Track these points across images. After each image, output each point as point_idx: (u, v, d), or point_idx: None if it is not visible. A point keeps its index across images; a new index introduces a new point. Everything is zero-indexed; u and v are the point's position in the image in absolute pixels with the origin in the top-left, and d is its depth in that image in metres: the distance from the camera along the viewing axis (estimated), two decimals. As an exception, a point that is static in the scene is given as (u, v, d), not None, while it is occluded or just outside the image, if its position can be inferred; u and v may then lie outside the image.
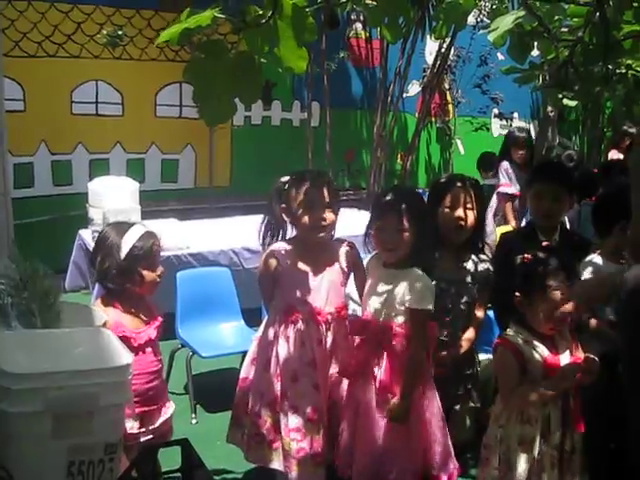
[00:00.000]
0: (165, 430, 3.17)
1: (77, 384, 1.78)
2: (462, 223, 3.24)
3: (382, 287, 3.04)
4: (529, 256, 2.88)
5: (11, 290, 2.17)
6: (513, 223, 6.50)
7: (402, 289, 2.97)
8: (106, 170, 7.26)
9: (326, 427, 3.10)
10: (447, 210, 3.23)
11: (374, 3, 2.83)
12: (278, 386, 3.09)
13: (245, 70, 2.31)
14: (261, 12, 2.32)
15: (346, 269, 3.23)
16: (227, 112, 2.38)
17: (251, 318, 4.67)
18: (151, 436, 3.06)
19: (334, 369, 3.15)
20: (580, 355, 2.84)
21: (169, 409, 3.19)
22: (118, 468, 1.89)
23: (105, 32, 7.14)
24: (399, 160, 9.68)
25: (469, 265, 3.33)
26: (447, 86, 10.05)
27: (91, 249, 5.42)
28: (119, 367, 1.89)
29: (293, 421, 3.04)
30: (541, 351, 2.80)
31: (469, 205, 3.25)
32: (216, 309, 4.68)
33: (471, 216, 3.25)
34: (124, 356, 1.95)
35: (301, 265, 3.14)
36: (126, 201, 5.63)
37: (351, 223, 6.61)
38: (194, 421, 4.30)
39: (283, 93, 8.56)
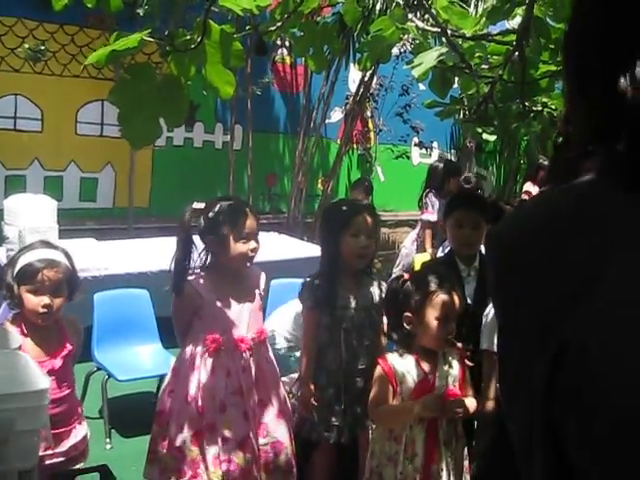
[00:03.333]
0: (78, 454, 3.12)
1: (-8, 409, 1.75)
2: (366, 252, 3.28)
3: None
4: (407, 276, 2.96)
5: None
6: (429, 250, 6.64)
7: None
8: (23, 187, 7.11)
9: (257, 455, 3.09)
10: (352, 238, 3.25)
11: (301, 33, 2.87)
12: (202, 418, 3.04)
13: (171, 92, 2.31)
14: (189, 37, 2.33)
15: (262, 293, 3.28)
16: (152, 134, 2.38)
17: (169, 341, 4.62)
18: (62, 459, 3.01)
19: (260, 394, 3.15)
20: (459, 391, 2.88)
21: (80, 432, 3.13)
22: (32, 495, 1.85)
23: (27, 46, 7.03)
24: (320, 185, 9.75)
25: (374, 289, 3.37)
26: (369, 114, 10.19)
27: (5, 268, 5.34)
28: (36, 391, 1.86)
29: (223, 452, 3.01)
30: (415, 375, 2.83)
31: (371, 232, 3.29)
32: (133, 331, 4.61)
33: (373, 244, 3.30)
34: (41, 380, 1.92)
35: (222, 294, 3.14)
36: (43, 219, 5.51)
37: (271, 247, 6.65)
38: (108, 446, 4.20)
39: (206, 115, 8.54)
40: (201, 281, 3.14)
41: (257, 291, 3.26)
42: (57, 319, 3.05)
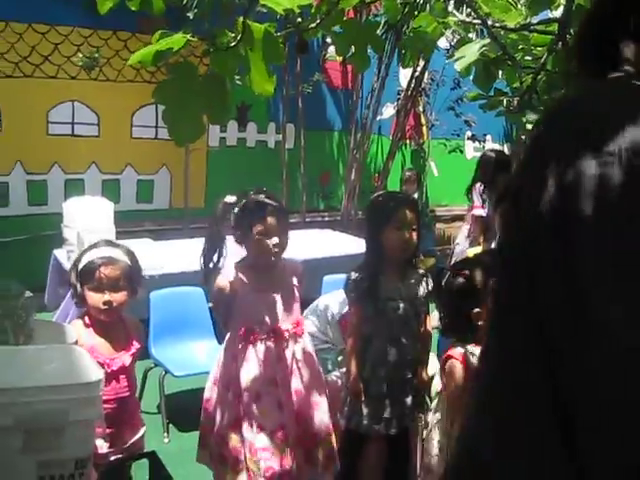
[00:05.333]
0: (135, 450, 3.15)
1: (47, 399, 1.82)
2: (408, 245, 3.29)
3: None
4: (466, 272, 2.95)
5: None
6: (483, 245, 6.56)
7: None
8: (81, 190, 7.27)
9: (295, 444, 3.14)
10: (395, 231, 3.27)
11: (342, 31, 2.88)
12: (240, 406, 3.12)
13: (214, 90, 2.36)
14: (232, 36, 2.38)
15: (298, 285, 3.31)
16: (197, 131, 2.42)
17: (224, 337, 4.70)
18: (120, 455, 3.04)
19: (297, 384, 3.20)
20: None
21: (141, 430, 3.18)
22: (88, 483, 1.92)
23: (81, 55, 7.20)
24: (373, 182, 9.76)
25: (419, 281, 3.38)
26: (421, 108, 10.16)
27: (65, 269, 5.48)
28: (89, 383, 1.93)
29: (260, 440, 3.07)
30: None
31: (414, 226, 3.30)
32: (189, 328, 4.71)
33: (415, 236, 3.30)
34: (95, 372, 1.99)
35: (255, 286, 3.19)
36: (101, 221, 5.64)
37: (326, 244, 6.70)
38: (166, 440, 4.31)
39: (258, 115, 8.63)
40: (234, 273, 3.20)
41: (291, 283, 3.30)
42: (122, 317, 3.11)
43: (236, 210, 3.17)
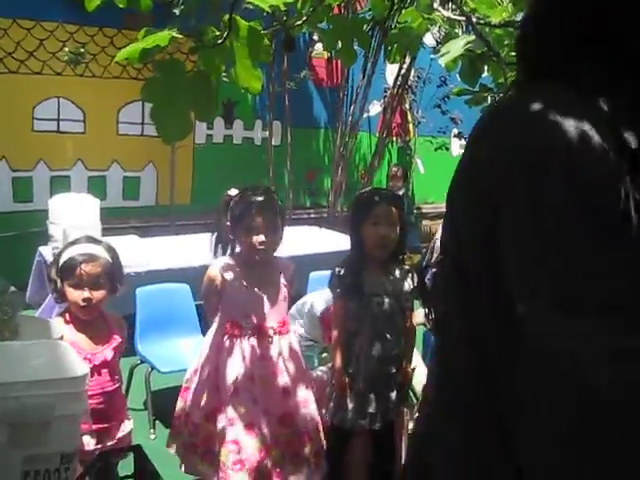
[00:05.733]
0: (123, 446, 3.11)
1: (33, 394, 1.82)
2: (386, 241, 3.29)
3: None
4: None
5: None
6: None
7: None
8: (67, 187, 7.24)
9: (273, 442, 3.15)
10: (371, 227, 3.27)
11: (329, 27, 2.89)
12: (218, 399, 3.14)
13: (201, 88, 2.36)
14: (218, 33, 2.38)
15: (288, 285, 3.33)
16: (185, 129, 2.42)
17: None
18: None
19: (282, 382, 3.21)
20: None
21: (127, 426, 3.16)
22: (74, 478, 1.92)
23: (67, 50, 7.17)
24: (360, 179, 9.76)
25: (404, 277, 3.38)
26: (408, 106, 10.17)
27: (51, 265, 5.47)
28: (75, 378, 1.93)
29: (231, 434, 3.10)
30: None
31: (394, 222, 3.30)
32: (175, 325, 4.71)
33: (394, 232, 3.29)
34: (80, 367, 1.99)
35: (244, 281, 3.21)
36: (87, 218, 5.62)
37: (313, 241, 6.70)
38: (152, 436, 4.32)
39: (245, 112, 8.63)
40: (226, 266, 3.23)
41: (280, 281, 3.31)
42: (102, 313, 3.09)
43: (231, 204, 3.20)
